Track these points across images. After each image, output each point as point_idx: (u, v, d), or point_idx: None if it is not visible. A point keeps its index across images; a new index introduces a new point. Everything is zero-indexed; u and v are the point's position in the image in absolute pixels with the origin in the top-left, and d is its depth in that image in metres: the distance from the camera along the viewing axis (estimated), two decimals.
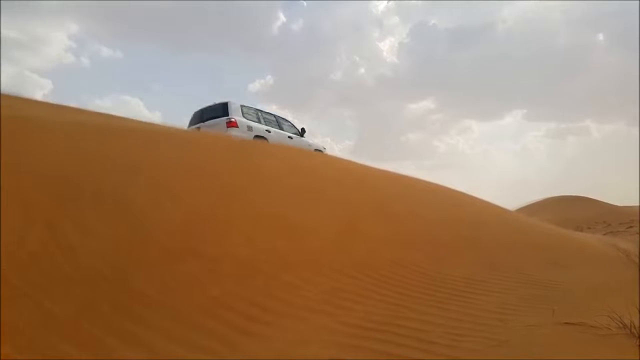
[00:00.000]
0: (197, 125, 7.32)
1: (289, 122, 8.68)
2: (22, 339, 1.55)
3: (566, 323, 2.34)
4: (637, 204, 20.84)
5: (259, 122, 7.63)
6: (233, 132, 6.89)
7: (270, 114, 8.24)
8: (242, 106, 7.47)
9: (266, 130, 7.58)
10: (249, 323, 2.06)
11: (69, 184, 2.77)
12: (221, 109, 7.26)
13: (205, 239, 2.74)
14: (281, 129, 8.12)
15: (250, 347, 1.87)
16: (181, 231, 2.71)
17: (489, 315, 2.51)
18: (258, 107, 7.98)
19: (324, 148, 9.12)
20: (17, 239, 2.06)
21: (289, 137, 8.10)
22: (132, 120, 5.95)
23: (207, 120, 7.24)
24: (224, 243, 2.77)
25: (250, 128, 7.27)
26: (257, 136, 7.31)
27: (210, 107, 7.50)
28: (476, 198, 7.73)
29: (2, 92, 5.04)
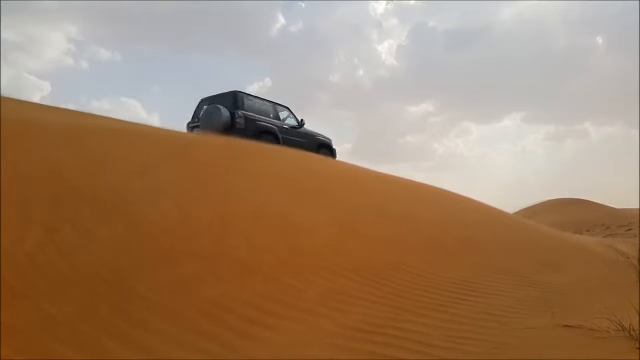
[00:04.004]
0: None
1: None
2: (20, 341, 1.54)
3: (565, 325, 2.35)
4: (636, 207, 20.82)
5: None
6: None
7: None
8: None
9: None
10: (248, 325, 2.05)
11: (67, 185, 2.76)
12: None
13: (203, 240, 2.74)
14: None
15: (249, 349, 1.87)
16: (179, 232, 2.71)
17: (488, 318, 2.51)
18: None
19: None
20: (15, 240, 2.05)
21: None
22: (130, 123, 5.94)
23: None
24: (222, 244, 2.76)
25: None
26: None
27: None
28: (474, 200, 7.73)
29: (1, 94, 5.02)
